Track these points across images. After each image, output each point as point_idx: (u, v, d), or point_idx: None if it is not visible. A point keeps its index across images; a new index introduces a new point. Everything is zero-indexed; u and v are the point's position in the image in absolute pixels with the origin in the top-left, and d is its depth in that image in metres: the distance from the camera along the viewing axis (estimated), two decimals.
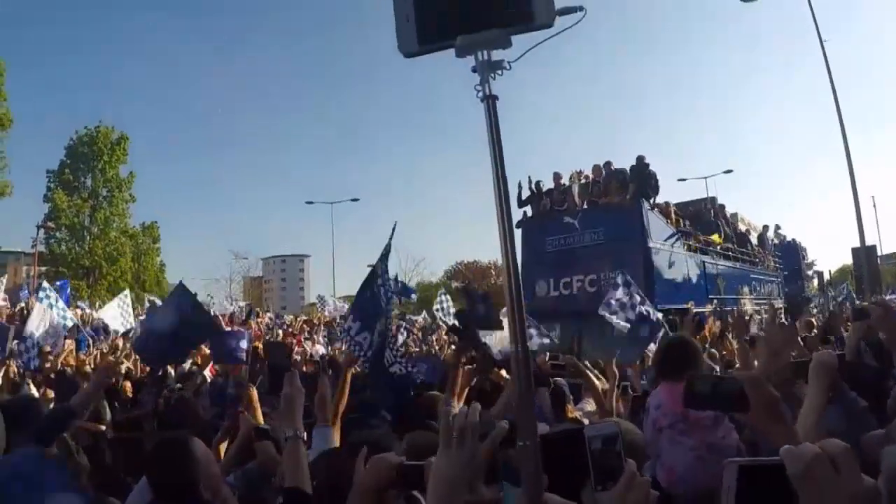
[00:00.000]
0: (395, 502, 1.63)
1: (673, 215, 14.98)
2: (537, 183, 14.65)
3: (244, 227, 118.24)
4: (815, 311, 19.14)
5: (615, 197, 13.54)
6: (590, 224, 12.99)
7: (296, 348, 13.72)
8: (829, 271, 35.18)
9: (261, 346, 9.70)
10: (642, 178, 13.63)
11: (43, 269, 34.88)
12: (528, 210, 14.59)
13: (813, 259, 29.89)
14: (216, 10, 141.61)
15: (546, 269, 13.24)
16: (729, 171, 35.39)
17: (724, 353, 6.86)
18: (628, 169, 13.95)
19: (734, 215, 23.10)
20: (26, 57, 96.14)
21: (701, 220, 18.01)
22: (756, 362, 4.51)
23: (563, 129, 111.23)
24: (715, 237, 16.97)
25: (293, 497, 2.26)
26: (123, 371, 9.58)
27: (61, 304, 10.50)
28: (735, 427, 2.71)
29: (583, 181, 14.42)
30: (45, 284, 9.94)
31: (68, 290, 9.89)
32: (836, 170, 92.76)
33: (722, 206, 21.54)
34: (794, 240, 27.00)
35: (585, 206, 13.73)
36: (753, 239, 22.52)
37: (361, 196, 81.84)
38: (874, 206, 39.48)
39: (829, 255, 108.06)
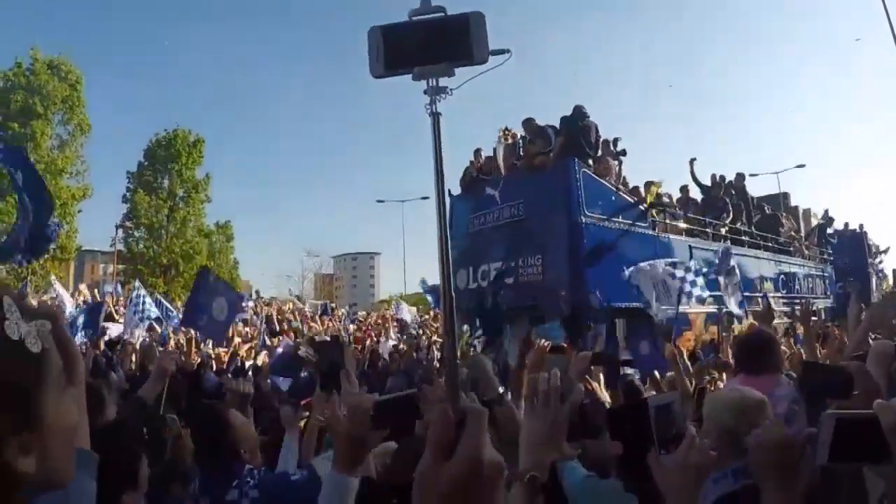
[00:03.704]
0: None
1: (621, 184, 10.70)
2: (476, 150, 11.87)
3: (317, 226, 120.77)
4: None
5: (536, 158, 10.35)
6: (510, 195, 9.95)
7: (367, 342, 14.21)
8: None
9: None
10: (573, 132, 10.07)
11: (121, 266, 36.41)
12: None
13: (886, 248, 23.68)
14: (288, 18, 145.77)
15: (467, 254, 10.20)
16: (801, 166, 33.53)
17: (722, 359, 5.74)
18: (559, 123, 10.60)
19: (807, 211, 21.94)
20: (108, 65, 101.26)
21: (711, 197, 14.01)
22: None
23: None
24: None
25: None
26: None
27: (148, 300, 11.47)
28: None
29: (509, 141, 11.32)
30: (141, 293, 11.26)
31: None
32: None
33: (741, 176, 15.70)
34: (860, 227, 21.76)
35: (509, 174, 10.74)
36: (807, 226, 20.14)
37: (432, 194, 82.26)
38: None
39: None
